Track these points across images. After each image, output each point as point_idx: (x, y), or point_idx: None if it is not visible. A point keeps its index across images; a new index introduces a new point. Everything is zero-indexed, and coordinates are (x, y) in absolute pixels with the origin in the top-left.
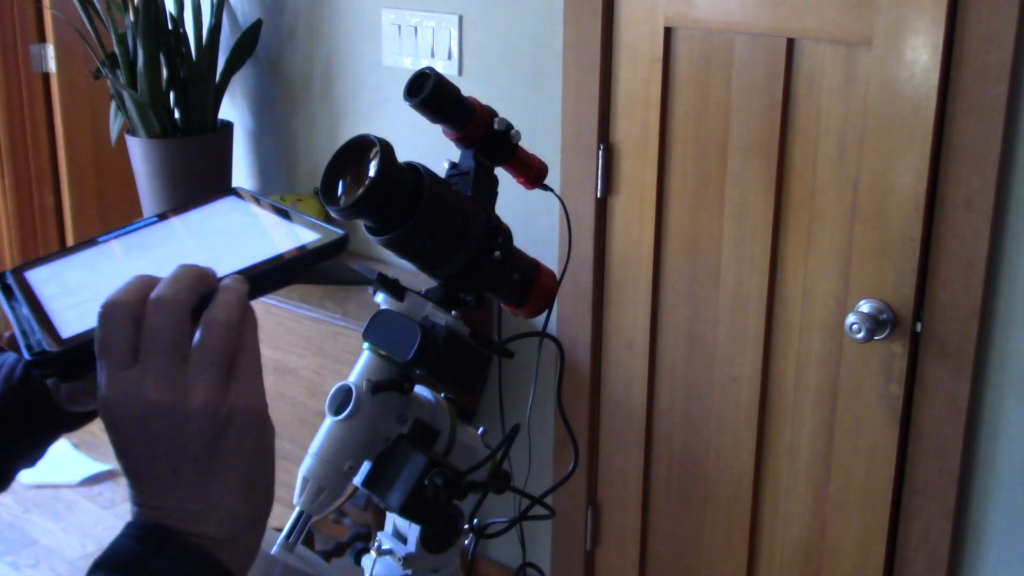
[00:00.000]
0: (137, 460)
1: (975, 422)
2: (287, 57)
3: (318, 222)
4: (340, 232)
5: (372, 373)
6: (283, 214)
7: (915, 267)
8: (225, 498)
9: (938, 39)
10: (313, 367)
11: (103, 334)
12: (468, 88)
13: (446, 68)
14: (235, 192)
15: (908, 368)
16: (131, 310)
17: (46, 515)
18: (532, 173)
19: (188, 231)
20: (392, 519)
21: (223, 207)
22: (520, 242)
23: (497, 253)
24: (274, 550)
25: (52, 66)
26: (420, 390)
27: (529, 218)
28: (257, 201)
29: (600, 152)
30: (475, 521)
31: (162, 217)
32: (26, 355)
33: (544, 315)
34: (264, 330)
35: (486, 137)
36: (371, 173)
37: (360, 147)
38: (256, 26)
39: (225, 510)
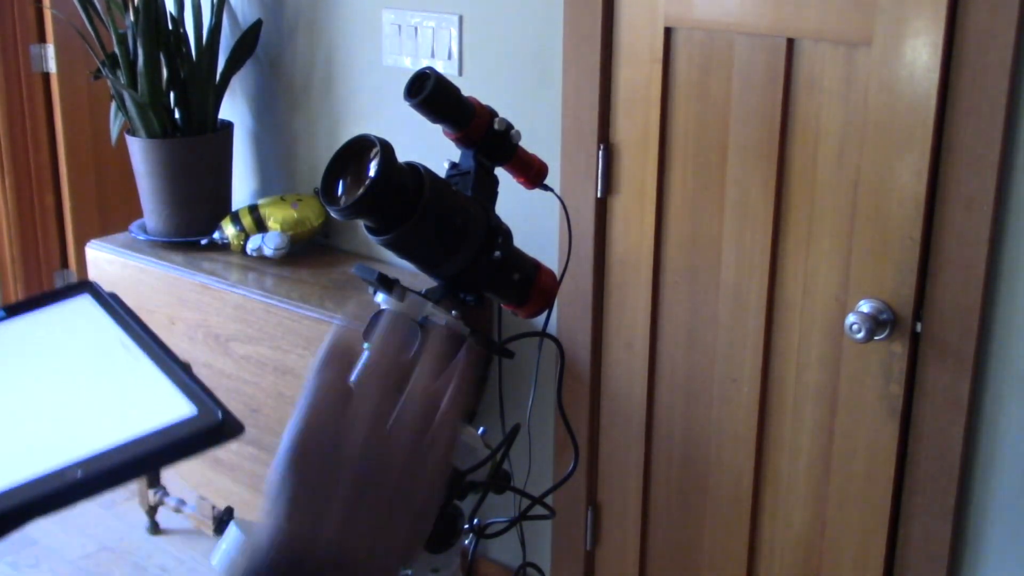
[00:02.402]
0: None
1: (975, 422)
2: (287, 57)
3: (185, 380)
4: (216, 413)
5: None
6: (146, 345)
7: (915, 267)
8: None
9: (938, 39)
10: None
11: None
12: (468, 88)
13: (446, 68)
14: (91, 289)
15: (908, 368)
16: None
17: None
18: (532, 173)
19: (42, 359)
20: None
21: (76, 314)
22: (520, 242)
23: (497, 253)
24: None
25: (52, 66)
26: None
27: (529, 218)
28: (111, 309)
29: (600, 152)
30: (475, 521)
31: (9, 312)
32: None
33: (544, 315)
34: (264, 330)
35: (486, 137)
36: (371, 173)
37: (360, 147)
38: (256, 26)
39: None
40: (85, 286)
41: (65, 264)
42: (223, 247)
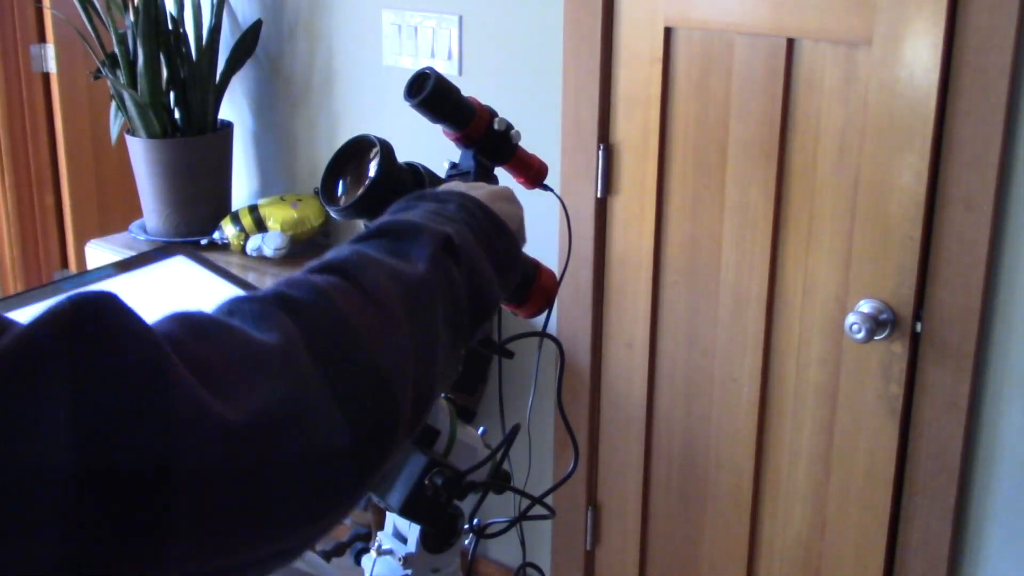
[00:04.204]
0: None
1: (975, 422)
2: (287, 57)
3: None
4: None
5: None
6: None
7: (915, 267)
8: None
9: (938, 39)
10: None
11: None
12: (468, 88)
13: (446, 68)
14: (183, 250)
15: (908, 368)
16: None
17: None
18: (532, 173)
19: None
20: (392, 519)
21: (180, 270)
22: None
23: None
24: None
25: (52, 66)
26: None
27: (529, 218)
28: (209, 266)
29: (600, 152)
30: (475, 521)
31: (117, 269)
32: None
33: (544, 315)
34: None
35: (486, 137)
36: (371, 173)
37: (360, 147)
38: (256, 26)
39: None
40: (178, 248)
41: (65, 264)
42: (223, 247)
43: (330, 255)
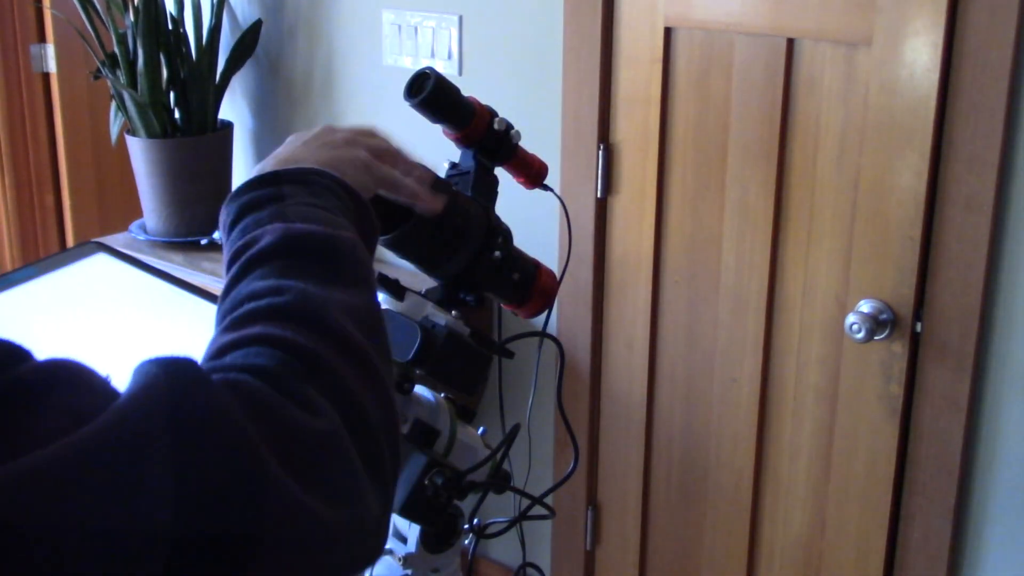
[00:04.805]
0: None
1: (975, 422)
2: (287, 57)
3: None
4: None
5: None
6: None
7: (915, 267)
8: None
9: (938, 39)
10: None
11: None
12: (468, 88)
13: (446, 68)
14: (102, 247)
15: (908, 368)
16: None
17: None
18: (532, 173)
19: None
20: (392, 519)
21: (105, 269)
22: (520, 242)
23: (497, 253)
24: None
25: (52, 66)
26: (420, 390)
27: (529, 218)
28: (130, 261)
29: (600, 152)
30: (475, 521)
31: (41, 268)
32: None
33: (544, 315)
34: None
35: (486, 137)
36: None
37: None
38: (256, 26)
39: None
40: (96, 245)
41: None
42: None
43: (269, 297)
